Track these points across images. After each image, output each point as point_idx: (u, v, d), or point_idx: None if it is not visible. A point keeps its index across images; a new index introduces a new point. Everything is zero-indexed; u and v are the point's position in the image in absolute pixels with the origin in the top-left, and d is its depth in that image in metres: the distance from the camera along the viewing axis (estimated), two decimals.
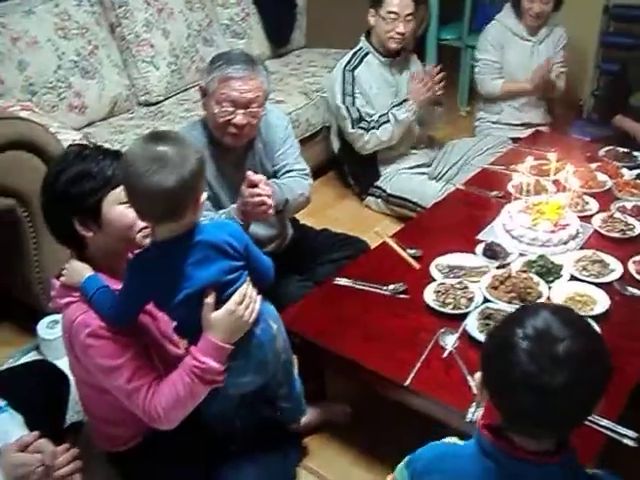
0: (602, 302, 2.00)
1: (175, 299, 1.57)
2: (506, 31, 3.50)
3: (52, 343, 2.32)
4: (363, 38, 3.22)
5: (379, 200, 3.29)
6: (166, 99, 3.35)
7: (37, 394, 1.82)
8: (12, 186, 2.24)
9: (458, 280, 2.09)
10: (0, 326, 2.63)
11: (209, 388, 1.62)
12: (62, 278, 1.67)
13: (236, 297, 1.60)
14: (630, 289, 2.07)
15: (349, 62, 3.17)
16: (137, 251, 1.64)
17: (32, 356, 2.40)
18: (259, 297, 1.67)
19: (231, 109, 2.12)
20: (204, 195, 1.55)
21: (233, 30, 3.69)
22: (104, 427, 1.84)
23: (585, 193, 2.59)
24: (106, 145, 1.87)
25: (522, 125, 3.58)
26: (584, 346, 1.12)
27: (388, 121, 3.11)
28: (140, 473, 1.85)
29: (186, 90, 3.42)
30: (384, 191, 3.24)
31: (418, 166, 3.26)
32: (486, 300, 2.02)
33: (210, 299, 1.58)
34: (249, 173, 2.11)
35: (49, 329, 2.38)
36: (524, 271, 2.08)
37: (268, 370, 1.73)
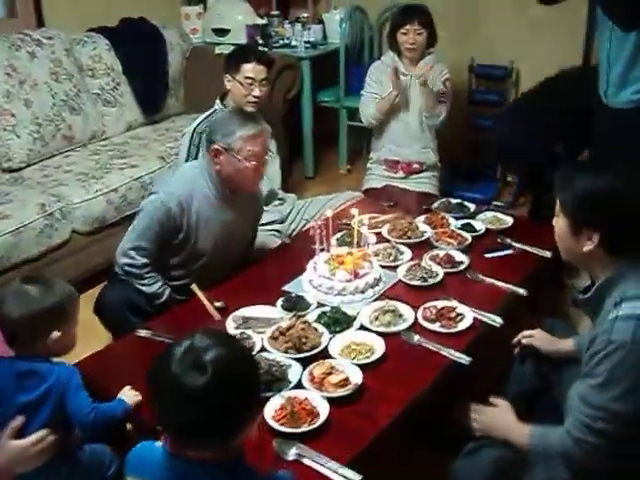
0: (378, 351, 2.06)
1: None
2: (385, 67, 3.61)
3: None
4: (218, 101, 3.37)
5: None
6: (29, 165, 3.47)
7: None
8: None
9: (241, 331, 2.17)
10: None
11: None
12: None
13: (32, 437, 1.75)
14: (415, 338, 2.13)
15: (200, 124, 3.30)
16: None
17: None
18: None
19: (256, 162, 2.50)
20: (54, 335, 1.78)
21: (104, 99, 3.86)
22: None
23: (402, 243, 2.71)
24: None
25: (400, 163, 3.66)
26: (225, 356, 1.30)
27: None
28: None
29: (52, 157, 3.55)
30: None
31: (269, 223, 3.36)
32: (263, 350, 2.09)
33: (15, 423, 1.75)
34: None
35: None
36: (303, 322, 2.15)
37: None
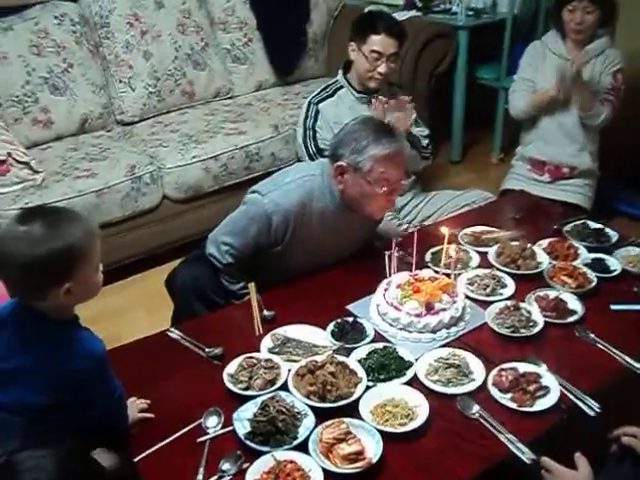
0: (418, 419, 1.63)
1: None
2: (545, 49, 3.06)
3: None
4: (340, 72, 3.00)
5: None
6: (142, 120, 3.33)
7: None
8: None
9: (268, 357, 1.84)
10: None
11: None
12: None
13: None
14: (475, 408, 1.67)
15: (316, 95, 2.97)
16: None
17: None
18: None
19: (387, 187, 2.10)
20: (66, 286, 1.45)
21: (234, 55, 3.62)
22: None
23: (508, 273, 2.20)
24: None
25: (547, 165, 3.10)
26: None
27: None
28: None
29: (168, 113, 3.38)
30: None
31: None
32: (284, 387, 1.75)
33: None
34: None
35: None
36: (338, 362, 1.75)
37: None
